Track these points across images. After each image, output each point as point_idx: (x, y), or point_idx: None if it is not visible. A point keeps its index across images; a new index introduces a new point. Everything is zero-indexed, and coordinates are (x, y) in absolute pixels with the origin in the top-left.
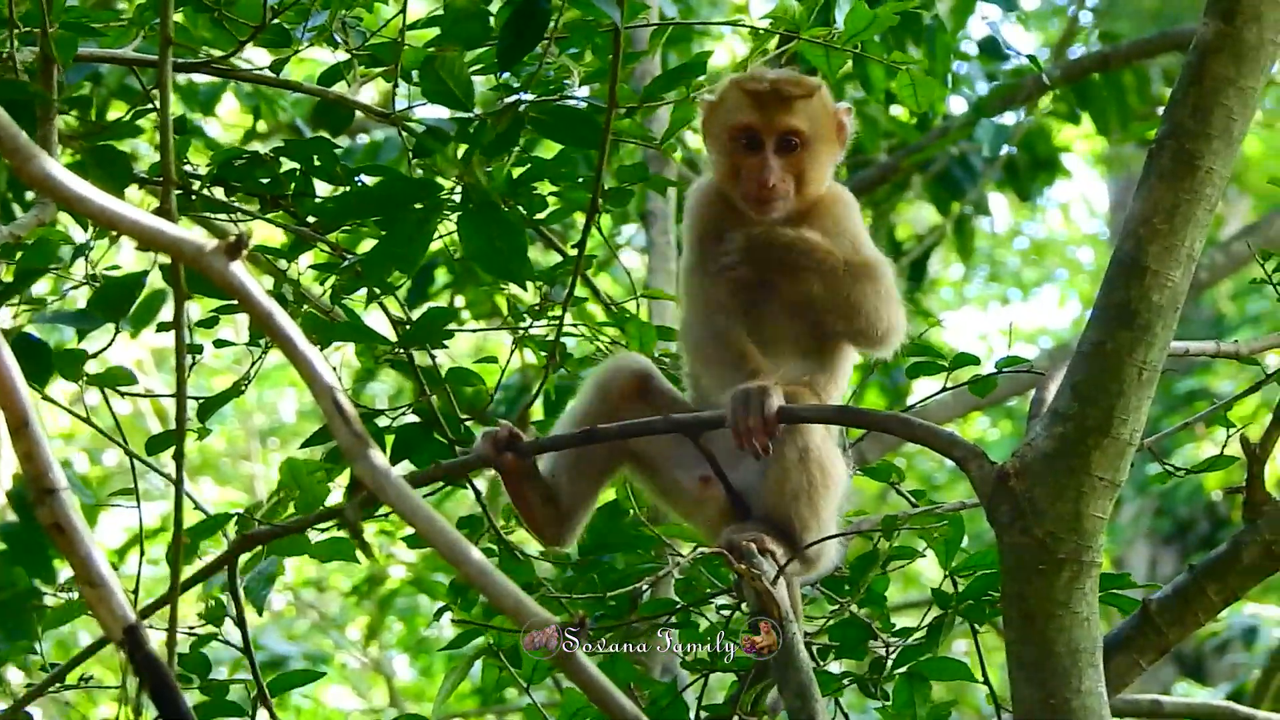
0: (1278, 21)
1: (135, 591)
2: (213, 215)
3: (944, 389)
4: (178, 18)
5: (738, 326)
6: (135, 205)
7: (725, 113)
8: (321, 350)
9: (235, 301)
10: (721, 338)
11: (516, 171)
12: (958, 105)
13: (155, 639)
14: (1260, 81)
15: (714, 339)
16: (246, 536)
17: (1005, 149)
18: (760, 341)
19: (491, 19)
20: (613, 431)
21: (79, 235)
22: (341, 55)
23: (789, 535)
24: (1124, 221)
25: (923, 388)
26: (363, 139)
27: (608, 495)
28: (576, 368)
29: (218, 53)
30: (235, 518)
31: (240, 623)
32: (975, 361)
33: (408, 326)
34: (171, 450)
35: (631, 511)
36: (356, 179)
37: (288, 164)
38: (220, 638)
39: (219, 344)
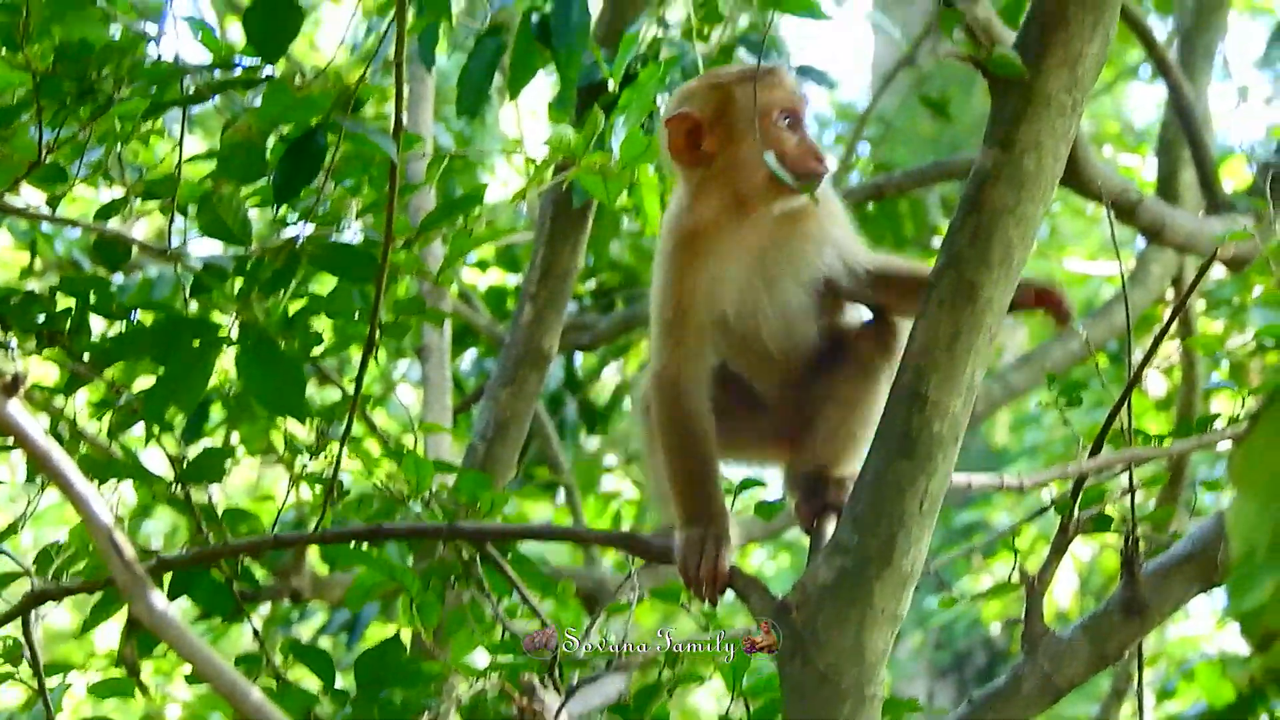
0: (1055, 148)
1: None
2: None
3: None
4: None
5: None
6: None
7: (764, 94)
8: (99, 488)
9: (11, 440)
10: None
11: (294, 306)
12: None
13: None
14: (1040, 209)
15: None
16: (37, 593)
17: None
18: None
19: (268, 153)
20: (400, 531)
21: None
22: (118, 191)
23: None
24: (904, 352)
25: None
26: (138, 275)
27: (388, 629)
28: (354, 505)
29: None
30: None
31: (36, 672)
32: (761, 484)
33: (185, 464)
34: None
35: (408, 647)
36: (133, 315)
37: (64, 301)
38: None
39: None
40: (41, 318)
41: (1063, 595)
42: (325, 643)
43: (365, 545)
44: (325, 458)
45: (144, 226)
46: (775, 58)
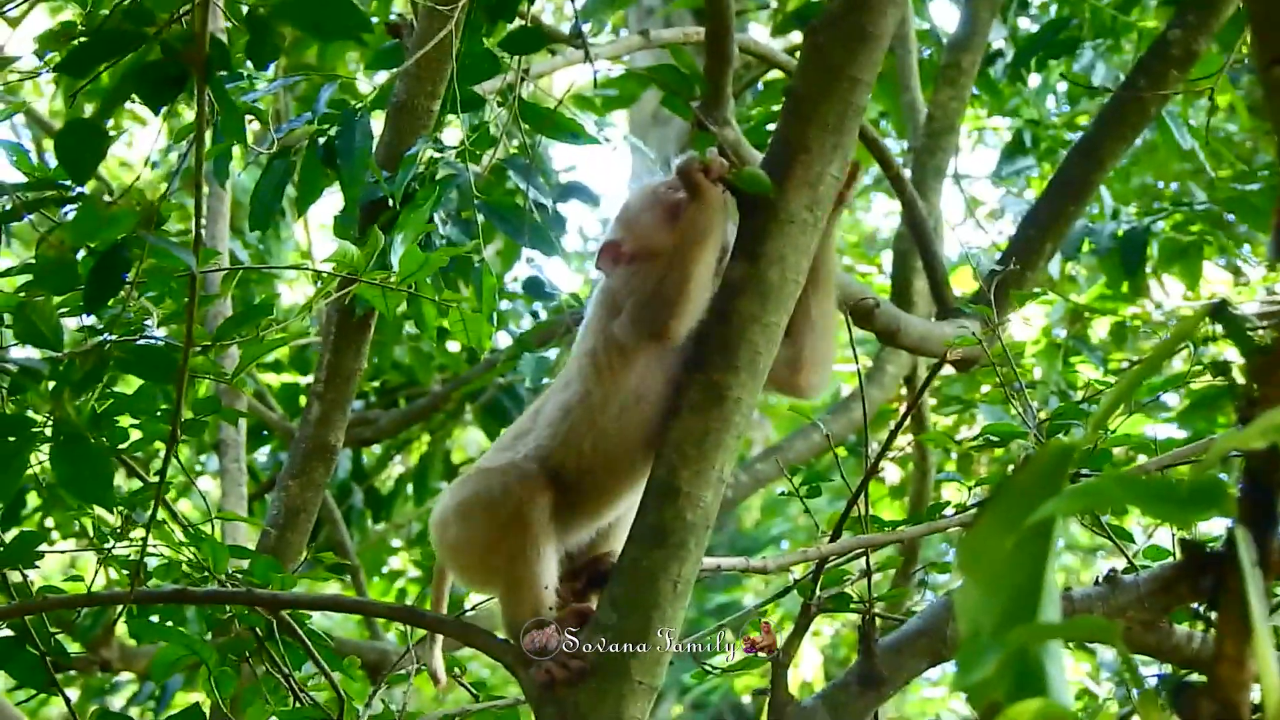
0: (798, 264)
1: None
2: None
3: None
4: None
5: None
6: None
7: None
8: None
9: None
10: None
11: (102, 406)
12: (504, 340)
13: None
14: (783, 317)
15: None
16: None
17: (546, 380)
18: None
19: (79, 266)
20: (204, 595)
21: None
22: None
23: None
24: (659, 447)
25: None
26: None
27: (195, 698)
28: (161, 571)
29: None
30: None
31: None
32: None
33: (2, 547)
34: None
35: (208, 716)
36: None
37: None
38: None
39: None
40: None
41: (808, 669)
42: (135, 712)
43: (169, 622)
44: (131, 542)
45: None
46: (539, 178)
